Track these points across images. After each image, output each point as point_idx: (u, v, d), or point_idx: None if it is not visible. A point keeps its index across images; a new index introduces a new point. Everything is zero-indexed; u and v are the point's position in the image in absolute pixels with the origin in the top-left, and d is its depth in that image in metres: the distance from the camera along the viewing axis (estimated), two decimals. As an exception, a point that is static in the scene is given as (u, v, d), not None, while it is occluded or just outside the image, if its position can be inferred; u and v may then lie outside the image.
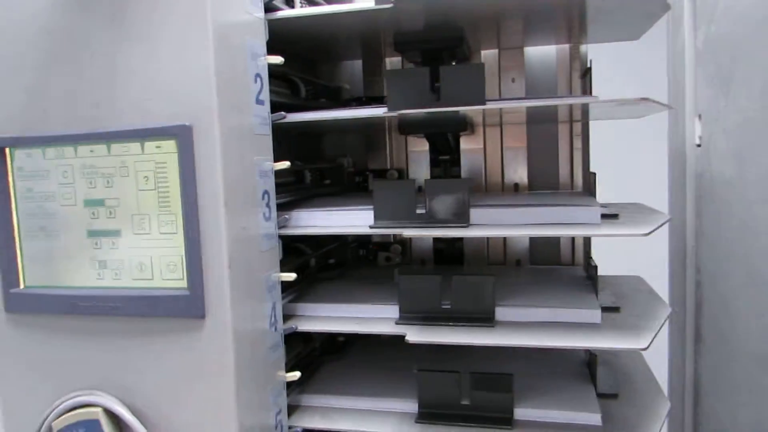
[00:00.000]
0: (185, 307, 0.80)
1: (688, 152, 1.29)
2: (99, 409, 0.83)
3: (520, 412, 1.00)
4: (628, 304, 1.09)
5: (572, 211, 0.96)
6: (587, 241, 1.32)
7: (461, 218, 0.97)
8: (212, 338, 0.80)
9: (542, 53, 1.31)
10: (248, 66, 0.85)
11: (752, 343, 1.04)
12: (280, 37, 0.97)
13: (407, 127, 1.21)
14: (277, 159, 0.94)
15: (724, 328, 1.14)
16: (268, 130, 0.91)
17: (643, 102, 0.85)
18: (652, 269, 1.54)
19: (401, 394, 1.05)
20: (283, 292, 1.04)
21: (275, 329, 0.92)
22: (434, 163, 1.35)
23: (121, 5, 0.78)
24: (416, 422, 1.00)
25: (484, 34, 1.22)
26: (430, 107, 0.94)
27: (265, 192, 0.89)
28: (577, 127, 1.30)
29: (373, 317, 1.03)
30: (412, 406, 1.03)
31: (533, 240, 1.33)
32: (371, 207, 0.99)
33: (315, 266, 1.21)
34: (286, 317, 1.02)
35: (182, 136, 0.77)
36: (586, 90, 1.26)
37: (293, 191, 1.14)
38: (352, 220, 1.01)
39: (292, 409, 1.04)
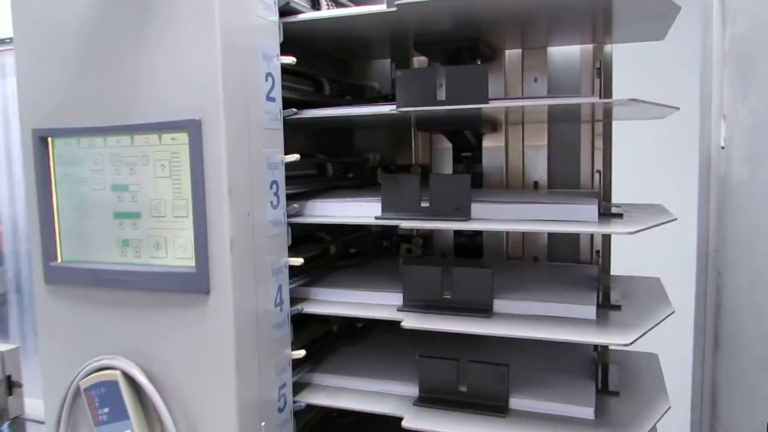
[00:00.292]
0: (192, 283, 0.88)
1: (712, 154, 1.28)
2: (118, 372, 0.93)
3: (516, 402, 1.04)
4: (632, 303, 1.10)
5: (570, 208, 0.99)
6: (606, 239, 1.33)
7: (462, 212, 1.01)
8: (215, 312, 0.88)
9: (566, 53, 1.33)
10: (259, 66, 0.93)
11: (755, 347, 1.04)
12: (306, 38, 1.04)
13: (422, 125, 1.26)
14: (301, 152, 1.01)
15: (734, 331, 1.14)
16: (279, 125, 0.98)
17: (632, 103, 0.87)
18: (685, 272, 1.53)
19: (406, 378, 1.11)
20: (296, 276, 1.12)
21: (281, 309, 0.99)
22: (457, 159, 1.39)
23: (142, 12, 0.87)
24: (414, 405, 1.05)
25: (508, 34, 1.25)
26: (434, 106, 0.99)
27: (274, 182, 0.96)
28: (599, 127, 1.31)
29: (378, 304, 1.09)
30: (413, 390, 1.08)
31: (552, 237, 1.35)
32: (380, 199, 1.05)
33: (335, 254, 1.28)
34: (298, 300, 1.10)
35: (192, 129, 0.86)
36: (606, 90, 1.28)
37: (312, 183, 1.21)
38: (362, 211, 1.07)
39: (301, 386, 1.12)
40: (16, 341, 2.26)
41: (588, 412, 1.00)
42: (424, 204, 1.04)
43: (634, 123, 1.48)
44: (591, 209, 0.97)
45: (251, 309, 0.92)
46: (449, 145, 1.39)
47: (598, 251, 1.19)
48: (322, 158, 1.26)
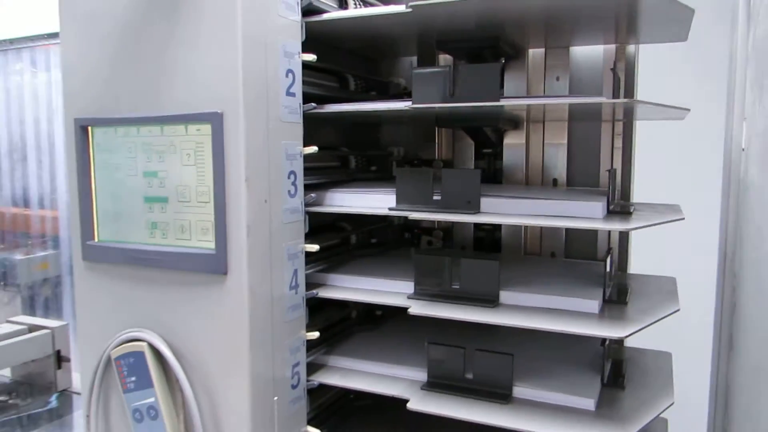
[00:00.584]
0: (212, 264, 0.95)
1: (733, 156, 1.28)
2: (145, 344, 1.01)
3: (520, 391, 1.08)
4: (640, 300, 1.13)
5: (576, 205, 1.02)
6: (624, 238, 1.35)
7: (472, 205, 1.05)
8: (232, 292, 0.95)
9: (589, 53, 1.35)
10: (280, 63, 0.99)
11: (764, 349, 1.05)
12: (331, 36, 1.10)
13: (441, 121, 1.30)
14: (328, 145, 1.07)
15: (746, 333, 1.15)
16: (299, 119, 1.04)
17: (637, 103, 0.90)
18: (707, 273, 1.53)
19: (416, 364, 1.16)
20: (315, 262, 1.18)
21: (296, 292, 1.06)
22: (478, 156, 1.43)
23: (173, 12, 0.94)
24: (421, 389, 1.10)
25: (530, 34, 1.29)
26: (447, 103, 1.04)
27: (292, 172, 1.03)
28: (619, 127, 1.33)
29: (391, 291, 1.14)
30: (422, 376, 1.13)
31: (569, 234, 1.38)
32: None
33: (355, 243, 1.34)
34: (315, 285, 1.16)
35: (215, 121, 0.93)
36: (628, 90, 1.30)
37: (334, 174, 1.27)
38: (377, 202, 1.13)
39: (317, 367, 1.18)
40: (68, 319, 2.40)
41: (589, 403, 1.04)
42: (436, 197, 1.08)
43: (661, 123, 1.49)
44: (596, 206, 1.00)
45: (266, 290, 0.98)
46: (472, 141, 1.43)
47: (610, 248, 1.21)
48: (344, 151, 1.32)
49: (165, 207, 1.00)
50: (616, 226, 0.95)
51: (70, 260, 3.24)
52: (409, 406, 1.04)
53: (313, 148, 1.07)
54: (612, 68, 1.17)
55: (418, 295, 1.10)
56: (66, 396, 2.11)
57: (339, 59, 1.29)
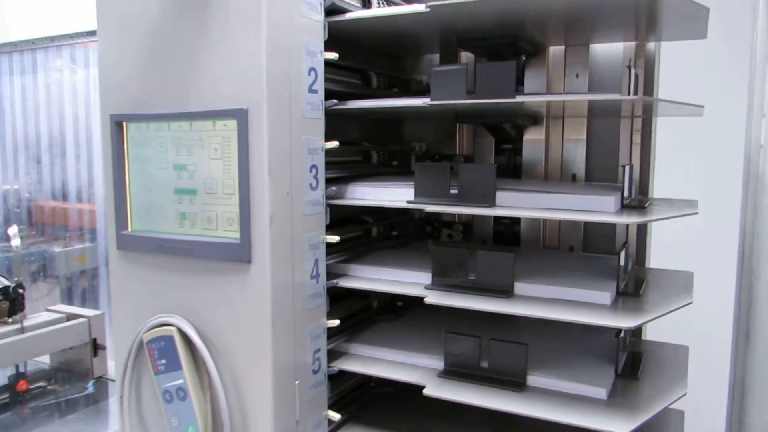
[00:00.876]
0: (237, 253, 1.00)
1: (752, 152, 1.29)
2: (174, 328, 1.07)
3: (534, 380, 1.11)
4: (654, 293, 1.15)
5: (588, 199, 1.05)
6: (642, 232, 1.37)
7: (488, 199, 1.09)
8: (256, 280, 1.00)
9: (609, 50, 1.37)
10: (303, 61, 1.03)
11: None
12: (354, 34, 1.14)
13: (460, 117, 1.34)
14: (352, 140, 1.11)
15: (762, 327, 1.16)
16: (321, 115, 1.08)
17: (642, 100, 0.92)
18: (728, 268, 1.54)
19: (435, 352, 1.19)
20: (336, 253, 1.22)
21: (317, 281, 1.10)
22: (498, 151, 1.46)
23: (202, 13, 0.99)
24: (438, 376, 1.14)
25: (551, 31, 1.31)
26: (464, 100, 1.07)
27: (313, 166, 1.07)
28: (638, 123, 1.34)
29: (410, 282, 1.18)
30: (440, 364, 1.17)
31: (587, 228, 1.40)
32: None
33: (377, 235, 1.38)
34: (337, 274, 1.21)
35: (240, 117, 0.98)
36: (648, 87, 1.31)
37: (356, 168, 1.31)
38: (396, 195, 1.16)
39: (338, 354, 1.23)
40: (104, 310, 2.49)
41: (601, 392, 1.06)
42: (453, 191, 1.12)
43: (685, 120, 1.50)
44: (608, 200, 1.03)
45: (288, 278, 1.03)
46: (492, 137, 1.45)
47: (625, 242, 1.23)
48: (366, 146, 1.36)
49: (194, 198, 1.06)
50: (624, 219, 0.97)
51: (106, 253, 3.35)
52: (425, 392, 1.08)
53: (334, 143, 1.11)
54: (627, 65, 1.18)
55: (435, 285, 1.14)
56: (102, 382, 2.19)
57: (362, 57, 1.33)
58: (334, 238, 1.12)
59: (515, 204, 1.09)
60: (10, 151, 3.52)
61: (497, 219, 1.47)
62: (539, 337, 1.27)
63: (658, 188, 1.41)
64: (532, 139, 1.42)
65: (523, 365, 1.10)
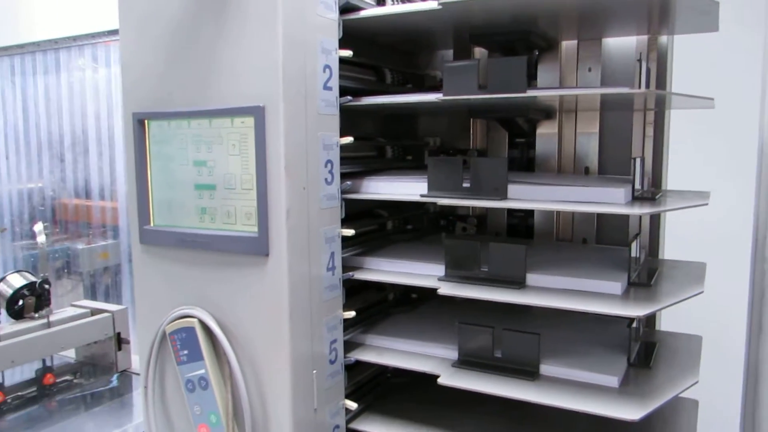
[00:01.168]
0: (255, 246, 1.03)
1: (765, 143, 1.30)
2: (195, 320, 1.10)
3: (547, 369, 1.13)
4: (665, 283, 1.16)
5: (598, 191, 1.06)
6: (655, 224, 1.38)
7: (499, 192, 1.11)
8: (274, 272, 1.03)
9: (621, 44, 1.38)
10: (318, 59, 1.06)
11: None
12: (368, 32, 1.17)
13: (473, 112, 1.36)
14: (367, 135, 1.14)
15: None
16: (335, 111, 1.11)
17: (648, 93, 0.93)
18: (743, 258, 1.54)
19: (449, 343, 1.21)
20: (352, 246, 1.25)
21: (333, 274, 1.13)
22: (512, 145, 1.48)
23: (220, 14, 1.03)
24: (452, 366, 1.16)
25: (563, 26, 1.32)
26: (476, 95, 1.09)
27: (329, 161, 1.10)
28: (650, 116, 1.35)
29: (424, 274, 1.21)
30: (454, 354, 1.19)
31: (600, 220, 1.41)
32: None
33: (392, 229, 1.40)
34: (353, 267, 1.23)
35: (257, 114, 1.01)
36: (660, 80, 1.32)
37: (371, 163, 1.34)
38: (410, 189, 1.19)
39: (354, 345, 1.26)
40: (128, 305, 2.54)
41: (612, 381, 1.08)
42: (465, 184, 1.14)
43: (700, 113, 1.50)
44: (617, 192, 1.04)
45: (305, 271, 1.06)
46: (505, 131, 1.47)
47: (637, 233, 1.24)
48: (381, 141, 1.39)
49: (213, 194, 1.09)
50: (632, 210, 0.99)
51: (129, 249, 3.41)
52: (440, 381, 1.11)
53: (349, 139, 1.14)
54: (638, 59, 1.20)
55: (449, 277, 1.16)
56: (126, 376, 2.23)
57: (377, 53, 1.36)
58: (350, 232, 1.15)
59: (527, 197, 1.11)
60: (35, 149, 3.60)
61: (511, 212, 1.49)
62: (553, 328, 1.29)
63: (675, 181, 1.42)
64: (545, 132, 1.43)
65: (536, 354, 1.12)
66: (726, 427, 1.51)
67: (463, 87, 1.10)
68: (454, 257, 1.16)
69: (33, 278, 2.07)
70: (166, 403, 1.18)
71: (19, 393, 2.03)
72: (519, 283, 1.11)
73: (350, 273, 1.19)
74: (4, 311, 2.00)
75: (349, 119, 1.15)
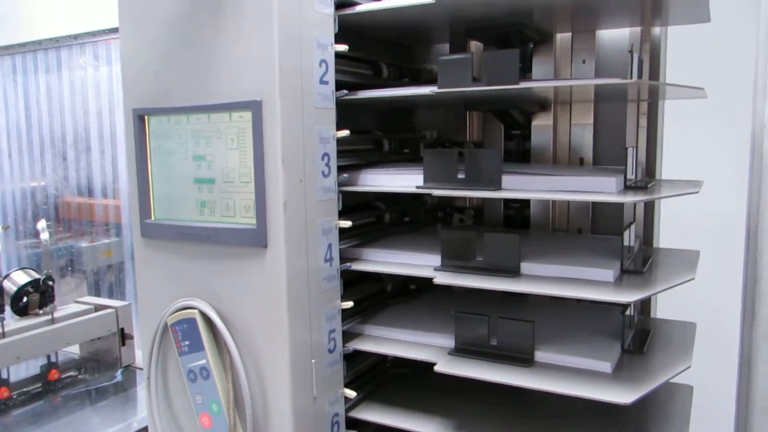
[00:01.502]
0: (253, 238, 1.06)
1: (755, 133, 1.31)
2: (196, 311, 1.12)
3: (542, 355, 1.15)
4: (658, 270, 1.18)
5: (590, 180, 1.08)
6: (649, 212, 1.40)
7: (494, 183, 1.13)
8: (272, 263, 1.05)
9: (615, 35, 1.39)
10: (314, 54, 1.08)
11: None
12: (364, 26, 1.19)
13: (469, 105, 1.37)
14: (365, 129, 1.16)
15: (764, 303, 1.19)
16: (332, 105, 1.13)
17: (635, 83, 0.95)
18: (737, 247, 1.56)
19: (446, 332, 1.24)
20: (350, 238, 1.27)
21: (331, 265, 1.15)
22: (507, 137, 1.49)
23: (217, 11, 1.04)
24: (449, 354, 1.18)
25: (557, 18, 1.34)
26: (469, 87, 1.11)
27: (325, 154, 1.12)
28: (644, 106, 1.37)
29: (420, 264, 1.23)
30: (451, 343, 1.21)
31: (595, 210, 1.43)
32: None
33: (389, 221, 1.43)
34: (350, 258, 1.25)
35: (255, 108, 1.03)
36: (654, 71, 1.34)
37: (368, 156, 1.36)
38: (406, 181, 1.21)
39: (353, 335, 1.28)
40: (131, 301, 2.57)
41: (606, 366, 1.10)
42: (460, 175, 1.16)
43: (696, 103, 1.51)
44: (609, 181, 1.06)
45: (303, 262, 1.08)
46: (501, 124, 1.49)
47: (630, 222, 1.26)
48: (378, 134, 1.40)
49: (212, 187, 1.11)
50: (622, 198, 1.01)
51: (131, 247, 3.43)
52: (437, 368, 1.13)
53: (345, 132, 1.15)
54: (629, 50, 1.21)
55: (445, 267, 1.18)
56: (130, 371, 2.26)
57: (373, 48, 1.38)
58: (347, 223, 1.17)
59: (520, 187, 1.13)
60: (37, 148, 3.62)
61: (507, 203, 1.51)
62: (548, 316, 1.32)
63: (671, 172, 1.43)
64: (541, 124, 1.45)
65: (531, 342, 1.14)
66: (721, 413, 1.53)
67: (457, 80, 1.12)
68: (450, 247, 1.18)
69: (37, 275, 2.09)
70: (168, 393, 1.21)
71: (25, 389, 2.06)
72: (513, 272, 1.13)
73: (348, 264, 1.21)
74: (8, 308, 2.02)
75: (346, 113, 1.17)
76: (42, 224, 2.23)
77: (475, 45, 1.51)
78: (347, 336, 1.25)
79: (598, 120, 1.41)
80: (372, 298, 1.37)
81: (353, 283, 1.31)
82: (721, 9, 1.30)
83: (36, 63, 3.53)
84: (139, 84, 1.16)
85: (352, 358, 1.26)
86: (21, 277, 2.07)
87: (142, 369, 2.33)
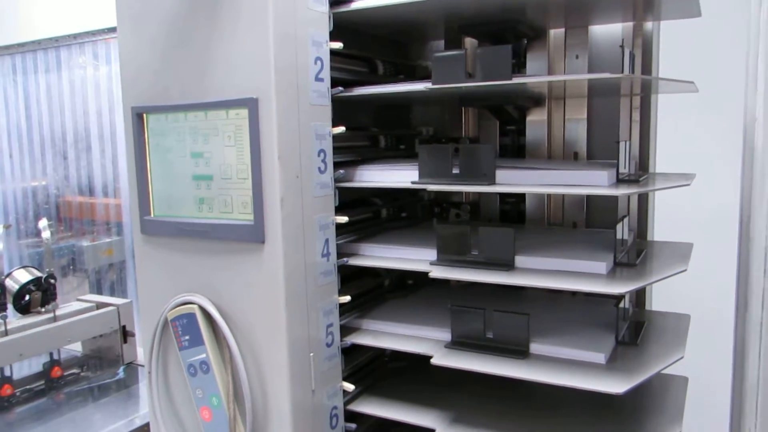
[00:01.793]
0: (251, 234, 1.07)
1: (747, 126, 1.33)
2: (196, 306, 1.14)
3: (536, 347, 1.16)
4: (650, 262, 1.20)
5: (582, 174, 1.10)
6: (643, 205, 1.42)
7: (488, 177, 1.14)
8: (270, 259, 1.07)
9: (607, 31, 1.41)
10: (309, 52, 1.09)
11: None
12: (359, 23, 1.21)
13: (463, 101, 1.39)
14: (361, 125, 1.17)
15: (751, 292, 1.21)
16: (327, 102, 1.15)
17: (627, 77, 0.96)
18: (732, 238, 1.58)
19: (443, 326, 1.25)
20: (347, 233, 1.29)
21: (328, 260, 1.17)
22: (503, 132, 1.51)
23: (214, 10, 1.06)
24: (445, 347, 1.20)
25: (551, 14, 1.35)
26: (463, 83, 1.12)
27: (321, 150, 1.13)
28: (636, 101, 1.38)
29: (417, 259, 1.24)
30: (447, 336, 1.23)
31: (590, 204, 1.45)
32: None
33: (386, 216, 1.44)
34: (348, 253, 1.27)
35: (251, 105, 1.04)
36: (646, 66, 1.35)
37: (364, 152, 1.38)
38: (402, 177, 1.22)
39: (351, 330, 1.29)
40: (132, 299, 2.59)
41: (599, 357, 1.12)
42: (455, 171, 1.17)
43: (690, 97, 1.53)
44: (601, 175, 1.08)
45: (300, 257, 1.10)
46: (496, 119, 1.51)
47: (623, 216, 1.27)
48: (374, 131, 1.42)
49: (210, 184, 1.13)
50: (613, 191, 1.02)
51: (132, 245, 3.45)
52: (433, 361, 1.14)
53: (341, 129, 1.17)
54: (620, 45, 1.22)
55: (440, 261, 1.20)
56: (132, 368, 2.28)
57: (368, 45, 1.39)
58: (343, 219, 1.19)
59: (514, 181, 1.14)
60: (38, 147, 3.64)
61: (503, 198, 1.53)
62: (544, 309, 1.33)
63: (666, 166, 1.45)
64: (535, 119, 1.47)
65: (525, 334, 1.15)
66: (717, 403, 1.55)
67: (451, 76, 1.14)
68: (446, 242, 1.20)
69: (39, 273, 2.11)
70: (169, 387, 1.23)
71: (28, 386, 2.08)
72: (508, 265, 1.15)
73: (345, 259, 1.23)
74: (11, 306, 2.04)
75: (342, 110, 1.18)
76: (43, 223, 2.25)
77: (470, 41, 1.52)
78: (345, 330, 1.26)
79: (592, 114, 1.43)
80: (370, 292, 1.39)
81: (351, 278, 1.32)
82: (712, 3, 1.31)
83: (36, 63, 3.54)
84: (138, 82, 1.18)
85: (351, 352, 1.27)
86: (23, 276, 2.09)
87: (143, 366, 2.34)
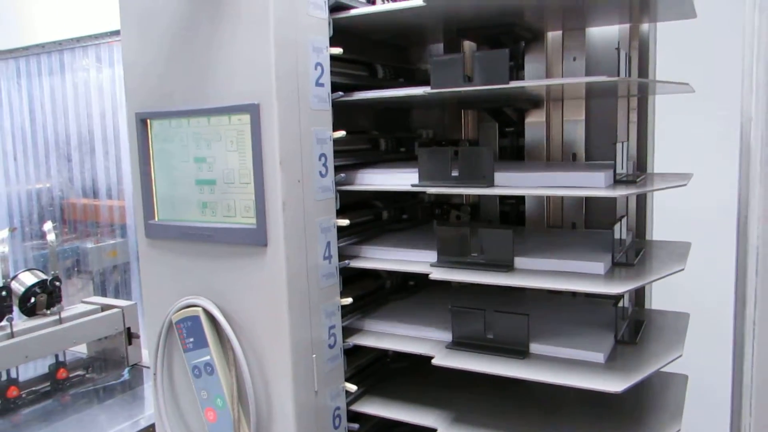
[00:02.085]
0: (254, 237, 1.09)
1: (743, 126, 1.34)
2: (200, 309, 1.16)
3: (536, 347, 1.18)
4: (649, 262, 1.21)
5: (580, 176, 1.11)
6: (642, 206, 1.43)
7: (487, 180, 1.16)
8: (272, 262, 1.08)
9: (604, 33, 1.42)
10: (309, 58, 1.11)
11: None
12: (359, 28, 1.22)
13: (462, 103, 1.40)
14: (361, 129, 1.19)
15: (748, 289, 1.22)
16: (327, 107, 1.16)
17: (620, 80, 0.98)
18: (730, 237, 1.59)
19: (443, 327, 1.27)
20: (348, 236, 1.31)
21: (330, 262, 1.18)
22: (502, 134, 1.52)
23: (215, 18, 1.08)
24: (446, 348, 1.21)
25: (548, 17, 1.37)
26: (461, 87, 1.14)
27: (322, 154, 1.15)
28: (633, 102, 1.40)
29: (417, 261, 1.26)
30: (448, 337, 1.24)
31: (588, 206, 1.46)
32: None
33: (387, 219, 1.46)
34: (349, 256, 1.29)
35: (253, 111, 1.06)
36: (643, 67, 1.37)
37: (365, 155, 1.39)
38: (402, 179, 1.24)
39: (353, 331, 1.31)
40: (137, 301, 2.60)
41: (598, 357, 1.13)
42: (454, 173, 1.19)
43: (688, 98, 1.54)
44: (598, 176, 1.09)
45: (302, 260, 1.11)
46: (495, 122, 1.52)
47: (621, 216, 1.29)
48: (374, 134, 1.44)
49: (213, 188, 1.14)
50: (610, 192, 1.04)
51: (136, 247, 3.46)
52: (434, 362, 1.16)
53: (341, 133, 1.19)
54: (616, 48, 1.24)
55: (440, 263, 1.22)
56: (137, 369, 2.29)
57: (368, 50, 1.41)
58: (344, 222, 1.20)
59: (512, 183, 1.16)
60: (42, 150, 3.66)
61: (503, 200, 1.54)
62: (543, 310, 1.35)
63: (664, 166, 1.46)
64: (534, 121, 1.48)
65: (525, 334, 1.17)
66: (718, 401, 1.56)
67: (449, 80, 1.15)
68: (446, 244, 1.21)
69: (44, 276, 2.13)
70: (174, 389, 1.24)
71: (34, 388, 2.09)
72: (507, 266, 1.16)
73: (346, 261, 1.24)
74: (16, 309, 2.06)
75: (343, 114, 1.20)
76: (48, 225, 2.26)
77: (468, 44, 1.54)
78: (347, 332, 1.28)
79: (590, 116, 1.44)
80: (371, 294, 1.40)
81: (353, 280, 1.34)
82: (707, 5, 1.32)
83: (39, 66, 3.56)
84: (141, 89, 1.20)
85: (353, 353, 1.29)
86: (28, 278, 2.10)
87: (148, 367, 2.35)
